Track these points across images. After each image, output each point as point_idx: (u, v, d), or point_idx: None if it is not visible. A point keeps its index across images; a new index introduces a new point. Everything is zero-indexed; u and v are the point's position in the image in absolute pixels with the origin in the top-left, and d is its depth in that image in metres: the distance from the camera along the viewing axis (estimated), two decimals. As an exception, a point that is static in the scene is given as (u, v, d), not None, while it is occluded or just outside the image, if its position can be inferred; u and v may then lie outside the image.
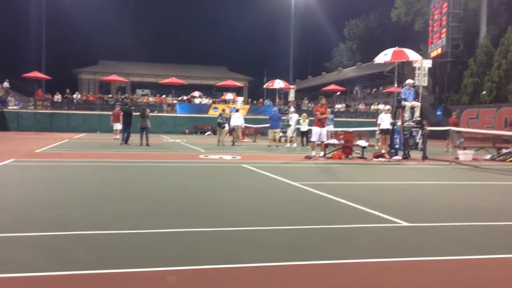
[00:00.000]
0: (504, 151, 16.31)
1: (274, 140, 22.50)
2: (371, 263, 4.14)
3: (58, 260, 4.00)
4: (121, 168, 11.80)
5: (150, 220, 5.69)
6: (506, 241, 5.08)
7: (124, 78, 47.10)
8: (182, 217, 5.97)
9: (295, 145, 22.52)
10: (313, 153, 15.27)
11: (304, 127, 22.70)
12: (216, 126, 22.66)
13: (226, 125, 23.48)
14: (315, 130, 15.40)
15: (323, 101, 15.96)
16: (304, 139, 22.80)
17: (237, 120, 22.68)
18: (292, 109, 25.60)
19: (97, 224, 5.43)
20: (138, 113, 21.34)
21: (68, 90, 39.62)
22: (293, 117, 23.41)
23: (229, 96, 41.92)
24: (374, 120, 25.00)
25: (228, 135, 25.01)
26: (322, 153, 15.47)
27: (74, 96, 39.42)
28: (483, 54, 35.48)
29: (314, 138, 15.55)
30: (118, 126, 24.16)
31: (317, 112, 15.45)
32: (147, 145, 19.87)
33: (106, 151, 17.01)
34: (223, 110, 23.38)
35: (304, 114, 23.43)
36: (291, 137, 23.06)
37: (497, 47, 34.59)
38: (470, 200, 7.99)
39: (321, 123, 15.32)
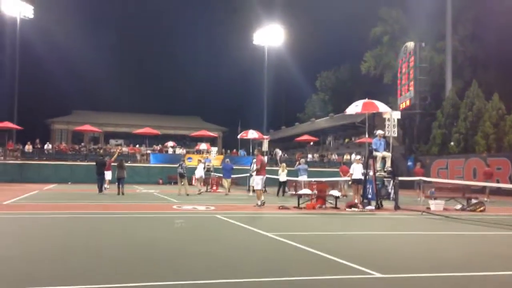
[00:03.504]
0: (473, 201, 16.61)
1: (227, 188, 23.28)
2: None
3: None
4: (91, 220, 11.54)
5: (119, 274, 5.53)
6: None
7: (97, 128, 46.87)
8: (153, 270, 5.82)
9: (250, 193, 22.67)
10: (259, 201, 15.69)
11: (282, 177, 22.84)
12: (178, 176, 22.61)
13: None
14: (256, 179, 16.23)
15: (256, 152, 16.58)
16: (281, 188, 22.88)
17: (198, 172, 24.22)
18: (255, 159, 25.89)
19: (61, 279, 5.24)
20: (116, 164, 22.30)
21: (37, 141, 39.04)
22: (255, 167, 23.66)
23: (203, 146, 41.98)
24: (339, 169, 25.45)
25: (198, 184, 24.97)
26: (258, 202, 15.73)
27: (46, 146, 38.86)
28: (450, 106, 36.74)
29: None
30: (108, 175, 23.70)
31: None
32: (122, 194, 20.27)
33: (76, 203, 16.65)
34: (183, 160, 23.57)
35: (283, 164, 23.74)
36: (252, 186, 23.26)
37: (462, 99, 35.92)
38: (441, 250, 8.05)
39: (261, 172, 16.08)
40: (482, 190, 21.35)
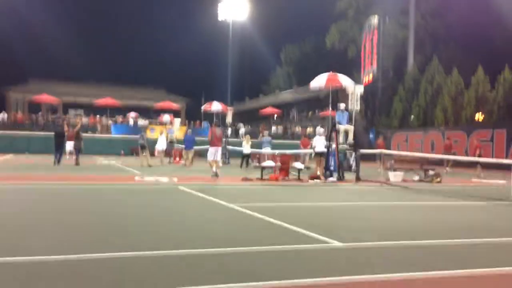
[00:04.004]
0: (430, 172, 17.12)
1: (187, 160, 23.18)
2: (304, 284, 4.15)
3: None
4: (49, 191, 11.25)
5: (81, 245, 5.42)
6: (431, 260, 5.27)
7: (55, 97, 45.46)
8: (113, 242, 5.74)
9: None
10: (214, 168, 16.15)
11: (246, 149, 22.89)
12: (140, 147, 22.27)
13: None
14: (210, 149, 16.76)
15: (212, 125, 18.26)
16: (244, 160, 22.92)
17: (160, 143, 24.05)
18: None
19: (21, 250, 5.10)
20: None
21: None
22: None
23: (166, 117, 41.45)
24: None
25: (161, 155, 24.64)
26: (214, 169, 16.22)
27: (1, 115, 37.52)
28: (411, 81, 37.46)
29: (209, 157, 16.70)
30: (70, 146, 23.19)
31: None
32: (77, 164, 20.22)
33: (35, 173, 16.20)
34: (144, 131, 23.31)
35: (247, 136, 23.78)
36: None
37: (423, 74, 36.66)
38: (399, 219, 8.27)
39: (212, 143, 16.65)
40: (440, 162, 22.07)
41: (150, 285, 3.96)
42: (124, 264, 4.66)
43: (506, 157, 24.28)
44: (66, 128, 23.40)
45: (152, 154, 23.23)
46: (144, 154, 21.74)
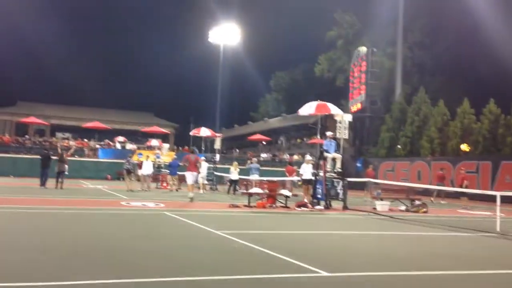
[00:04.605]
0: (417, 202, 17.18)
1: (173, 185, 23.86)
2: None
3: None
4: (33, 215, 11.10)
5: (62, 271, 5.34)
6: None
7: (43, 120, 45.27)
8: (97, 267, 5.67)
9: (201, 191, 22.44)
10: (190, 194, 16.80)
11: (234, 176, 22.89)
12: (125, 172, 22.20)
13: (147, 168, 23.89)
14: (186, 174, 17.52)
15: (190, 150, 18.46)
16: (232, 187, 22.87)
17: (146, 168, 23.53)
18: (202, 157, 25.65)
19: (2, 277, 5.01)
20: (56, 157, 21.66)
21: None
22: (203, 165, 23.52)
23: (154, 142, 41.35)
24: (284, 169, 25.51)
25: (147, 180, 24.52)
26: (190, 194, 16.81)
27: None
28: (398, 111, 37.93)
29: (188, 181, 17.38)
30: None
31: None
32: (61, 188, 19.92)
33: (18, 196, 15.98)
34: (130, 156, 23.35)
35: (235, 163, 23.83)
36: (202, 184, 23.10)
37: (410, 104, 37.16)
38: (386, 249, 8.28)
39: (188, 169, 17.46)
40: (426, 192, 22.25)
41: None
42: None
43: (491, 189, 24.49)
44: (59, 152, 23.08)
45: (137, 179, 23.27)
46: (131, 179, 21.70)
